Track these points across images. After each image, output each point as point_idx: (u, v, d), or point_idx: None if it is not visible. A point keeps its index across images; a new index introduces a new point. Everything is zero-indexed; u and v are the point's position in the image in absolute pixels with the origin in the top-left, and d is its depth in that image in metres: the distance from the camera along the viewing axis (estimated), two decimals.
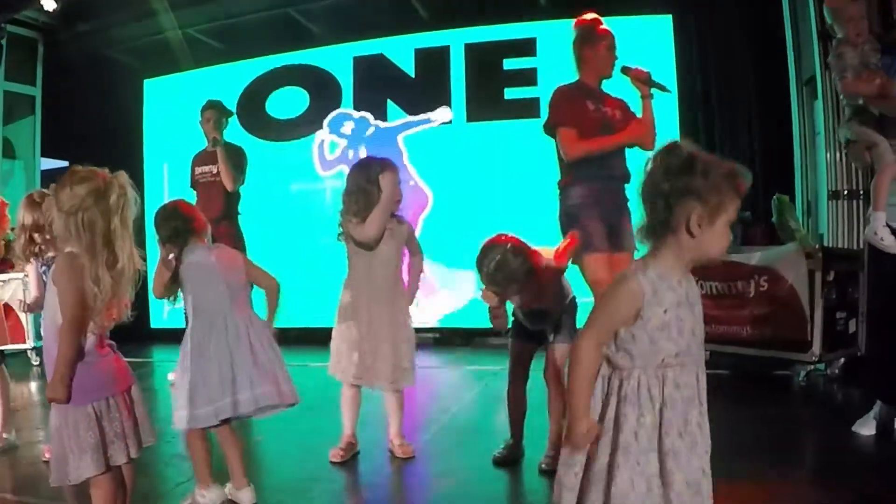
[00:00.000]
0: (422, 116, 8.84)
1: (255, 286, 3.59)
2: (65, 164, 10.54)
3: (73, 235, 2.42)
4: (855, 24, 3.90)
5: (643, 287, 2.01)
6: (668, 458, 2.01)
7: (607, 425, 2.05)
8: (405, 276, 4.27)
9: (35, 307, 4.08)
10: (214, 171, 6.53)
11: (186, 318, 3.52)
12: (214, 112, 6.61)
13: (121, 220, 2.46)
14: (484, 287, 3.58)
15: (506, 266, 3.49)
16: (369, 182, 3.94)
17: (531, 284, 3.59)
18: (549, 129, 4.31)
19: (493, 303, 3.62)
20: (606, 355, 2.08)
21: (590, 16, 4.41)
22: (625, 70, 4.32)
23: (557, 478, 2.16)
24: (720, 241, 2.00)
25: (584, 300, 3.77)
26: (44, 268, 3.98)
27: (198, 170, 6.70)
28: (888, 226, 3.94)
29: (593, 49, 4.31)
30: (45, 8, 8.64)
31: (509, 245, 3.54)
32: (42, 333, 2.95)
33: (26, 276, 4.13)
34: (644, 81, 4.30)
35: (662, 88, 4.33)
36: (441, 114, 8.79)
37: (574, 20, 4.45)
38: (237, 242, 6.27)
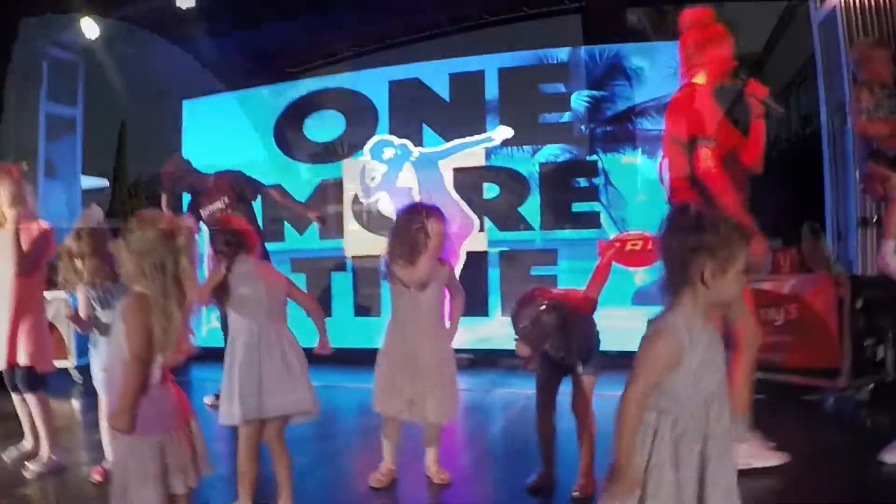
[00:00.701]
0: (481, 136, 8.73)
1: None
2: (104, 182, 10.80)
3: (146, 276, 2.56)
4: (873, 68, 4.03)
5: (681, 335, 2.15)
6: (708, 487, 2.15)
7: (661, 465, 2.18)
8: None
9: (83, 328, 4.29)
10: (226, 200, 6.31)
11: (224, 325, 3.89)
12: (169, 176, 6.45)
13: (188, 260, 2.62)
14: (517, 340, 3.65)
15: (539, 325, 3.56)
16: (415, 228, 4.02)
17: (564, 334, 3.67)
18: (686, 136, 3.68)
19: (526, 354, 3.69)
20: (651, 402, 2.20)
21: (706, 10, 3.81)
22: (741, 81, 3.83)
23: None
24: (732, 288, 2.19)
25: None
26: (92, 292, 4.18)
27: (205, 212, 6.37)
28: None
29: (717, 50, 3.77)
30: (86, 35, 8.94)
31: (543, 303, 3.60)
32: (107, 364, 3.12)
33: (72, 294, 4.37)
34: (761, 100, 3.85)
35: (777, 110, 3.91)
36: (501, 132, 8.70)
37: (686, 10, 3.83)
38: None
